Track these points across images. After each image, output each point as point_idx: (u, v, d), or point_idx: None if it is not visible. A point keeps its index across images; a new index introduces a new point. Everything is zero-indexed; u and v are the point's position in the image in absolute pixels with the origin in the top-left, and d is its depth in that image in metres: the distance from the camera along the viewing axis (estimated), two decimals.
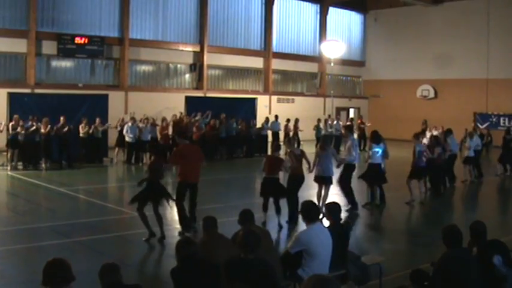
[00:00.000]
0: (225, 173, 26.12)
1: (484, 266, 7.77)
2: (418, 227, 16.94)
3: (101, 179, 24.62)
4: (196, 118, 30.42)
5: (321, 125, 35.63)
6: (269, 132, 33.98)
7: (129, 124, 27.85)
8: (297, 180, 15.54)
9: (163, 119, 29.38)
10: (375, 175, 18.10)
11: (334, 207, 9.54)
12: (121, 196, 21.02)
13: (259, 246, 7.02)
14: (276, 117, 35.49)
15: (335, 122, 36.14)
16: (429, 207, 18.88)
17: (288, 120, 35.24)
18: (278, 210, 14.90)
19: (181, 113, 31.17)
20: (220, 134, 30.93)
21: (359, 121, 38.02)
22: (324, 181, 16.86)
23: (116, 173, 26.69)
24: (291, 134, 33.39)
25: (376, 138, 18.39)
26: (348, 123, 31.87)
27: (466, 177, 24.07)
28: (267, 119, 34.88)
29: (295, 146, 16.31)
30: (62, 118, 25.51)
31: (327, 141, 18.62)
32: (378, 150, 18.11)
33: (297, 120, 35.33)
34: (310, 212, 8.53)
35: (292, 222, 15.01)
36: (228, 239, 8.46)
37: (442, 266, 7.53)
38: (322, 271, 8.02)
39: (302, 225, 8.79)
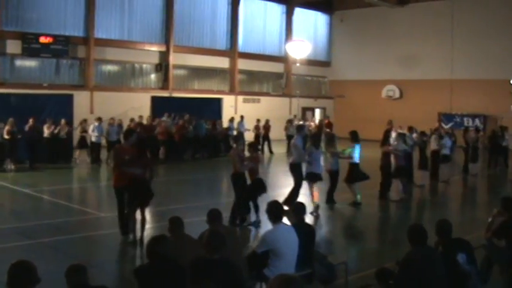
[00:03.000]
0: (191, 173, 26.13)
1: (449, 264, 7.86)
2: (385, 226, 17.06)
3: (66, 179, 24.36)
4: (163, 119, 30.40)
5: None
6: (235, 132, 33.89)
7: (96, 124, 27.72)
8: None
9: (132, 120, 29.18)
10: (357, 174, 18.33)
11: (299, 207, 9.59)
12: (86, 197, 20.94)
13: (224, 246, 7.01)
14: (242, 117, 35.51)
15: (304, 122, 36.22)
16: (398, 207, 19.05)
17: (258, 121, 35.31)
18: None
19: (140, 117, 30.51)
20: (189, 134, 30.85)
21: (326, 121, 38.08)
22: (318, 178, 17.16)
23: (81, 174, 26.45)
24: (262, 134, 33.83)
25: (357, 137, 18.58)
26: (301, 122, 32.02)
27: (445, 177, 24.36)
28: (232, 119, 34.87)
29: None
30: (31, 119, 25.24)
31: (318, 140, 18.57)
32: (357, 150, 18.38)
33: (267, 121, 35.45)
34: (276, 212, 8.57)
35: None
36: (195, 239, 8.45)
37: (406, 264, 7.60)
38: (288, 270, 8.05)
39: (268, 225, 8.80)
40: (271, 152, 34.48)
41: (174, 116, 31.02)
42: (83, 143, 27.88)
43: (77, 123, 28.29)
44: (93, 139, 27.64)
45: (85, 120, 28.61)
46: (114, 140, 27.04)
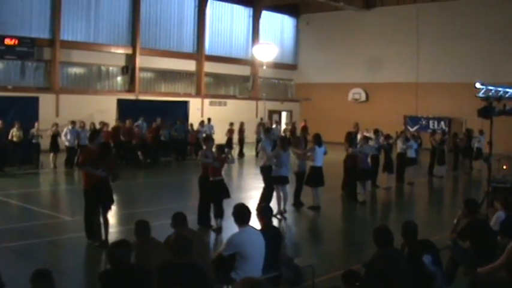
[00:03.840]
0: (159, 177, 26.07)
1: (415, 265, 7.94)
2: (351, 228, 17.14)
3: (34, 183, 24.07)
4: (139, 123, 30.40)
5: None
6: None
7: (69, 127, 27.25)
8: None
9: (104, 124, 28.52)
10: (317, 178, 18.39)
11: (266, 209, 9.61)
12: (53, 201, 20.74)
13: (191, 250, 7.00)
14: (209, 120, 35.43)
15: (274, 126, 36.20)
16: (364, 209, 19.16)
17: (232, 124, 35.27)
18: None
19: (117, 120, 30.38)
20: (160, 136, 30.77)
21: (303, 124, 37.89)
22: (285, 181, 17.24)
23: (49, 178, 26.10)
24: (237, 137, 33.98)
25: (320, 140, 18.65)
26: (268, 126, 32.12)
27: (411, 179, 24.65)
28: (202, 122, 34.75)
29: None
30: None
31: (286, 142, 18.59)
32: (321, 152, 18.46)
33: (242, 124, 35.51)
34: (243, 214, 8.58)
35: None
36: (161, 243, 8.42)
37: (373, 266, 7.66)
38: (255, 273, 8.06)
39: (234, 228, 8.80)
40: (242, 154, 34.41)
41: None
42: (55, 146, 27.36)
43: (42, 126, 27.69)
44: (67, 143, 27.14)
45: (56, 124, 28.00)
46: (85, 144, 26.14)
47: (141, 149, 29.93)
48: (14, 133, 25.56)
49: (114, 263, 6.91)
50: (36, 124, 26.52)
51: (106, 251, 7.16)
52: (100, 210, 13.11)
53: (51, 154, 27.19)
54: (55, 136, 27.24)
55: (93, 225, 13.24)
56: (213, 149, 15.58)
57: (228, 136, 34.32)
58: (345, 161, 20.99)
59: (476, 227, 9.71)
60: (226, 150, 16.07)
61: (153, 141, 30.24)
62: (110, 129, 28.55)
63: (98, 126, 27.56)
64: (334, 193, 20.00)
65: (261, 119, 40.81)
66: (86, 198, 13.32)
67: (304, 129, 35.69)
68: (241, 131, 35.43)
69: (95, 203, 13.06)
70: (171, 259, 7.00)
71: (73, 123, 27.59)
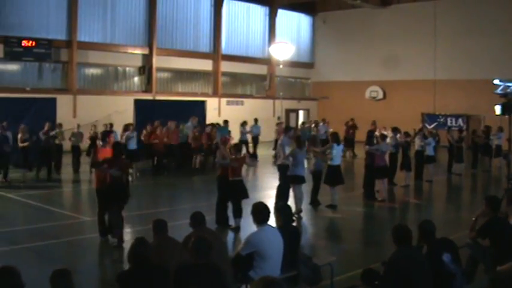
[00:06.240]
0: (180, 177, 26.08)
1: (434, 264, 7.88)
2: (369, 226, 17.08)
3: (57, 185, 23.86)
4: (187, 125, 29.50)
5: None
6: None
7: (128, 133, 25.63)
8: None
9: (130, 124, 27.09)
10: (336, 176, 18.36)
11: (284, 208, 9.58)
12: (70, 201, 20.79)
13: (210, 251, 7.00)
14: (256, 120, 34.79)
15: (321, 125, 35.79)
16: (383, 207, 19.08)
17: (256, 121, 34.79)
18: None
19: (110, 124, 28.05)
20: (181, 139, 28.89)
21: (351, 123, 36.47)
22: (303, 180, 17.32)
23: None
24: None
25: (338, 138, 18.63)
26: (287, 125, 31.88)
27: (429, 177, 24.55)
28: (245, 123, 33.69)
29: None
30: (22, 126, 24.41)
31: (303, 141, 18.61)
32: (339, 151, 18.46)
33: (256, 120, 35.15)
34: (261, 213, 8.55)
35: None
36: (179, 242, 8.41)
37: (392, 265, 7.60)
38: (273, 272, 8.04)
39: (253, 227, 8.78)
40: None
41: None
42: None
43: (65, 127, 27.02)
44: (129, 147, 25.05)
45: (95, 125, 27.02)
46: (133, 148, 25.27)
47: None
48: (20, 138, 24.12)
49: (134, 260, 6.93)
50: (57, 125, 26.02)
51: (128, 249, 7.13)
52: (115, 209, 13.21)
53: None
54: (93, 138, 25.27)
55: (106, 223, 13.35)
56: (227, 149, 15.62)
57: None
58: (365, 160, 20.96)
59: (497, 224, 9.62)
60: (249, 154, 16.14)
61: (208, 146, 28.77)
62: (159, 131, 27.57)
63: (131, 128, 26.25)
64: (353, 192, 19.92)
65: (278, 118, 40.69)
66: (98, 197, 13.62)
67: (353, 127, 35.17)
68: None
69: (108, 202, 13.20)
70: (189, 260, 6.99)
71: (127, 127, 26.32)
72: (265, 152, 34.22)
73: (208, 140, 28.26)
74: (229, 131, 29.82)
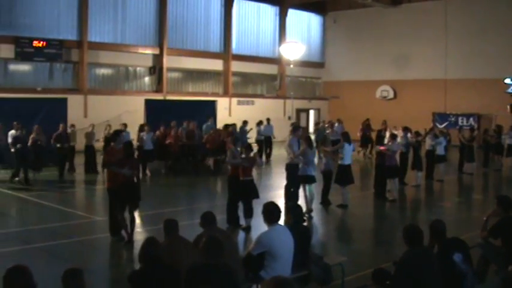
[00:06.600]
0: (190, 176, 26.08)
1: (445, 264, 7.86)
2: (380, 226, 17.04)
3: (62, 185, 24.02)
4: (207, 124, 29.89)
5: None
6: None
7: (144, 133, 25.88)
8: None
9: (145, 124, 27.38)
10: (346, 176, 18.34)
11: (294, 208, 9.58)
12: (82, 201, 20.82)
13: (221, 251, 7.00)
14: (268, 120, 34.04)
15: (336, 125, 35.43)
16: (393, 207, 19.05)
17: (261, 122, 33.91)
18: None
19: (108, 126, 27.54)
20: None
21: (367, 122, 35.57)
22: (314, 180, 17.32)
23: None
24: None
25: (349, 138, 18.61)
26: (326, 125, 31.96)
27: (440, 177, 24.53)
28: (261, 122, 33.41)
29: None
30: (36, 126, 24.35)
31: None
32: (350, 150, 18.43)
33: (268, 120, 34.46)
34: (272, 213, 8.55)
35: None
36: (189, 242, 8.42)
37: (403, 264, 7.60)
38: (284, 272, 8.04)
39: (263, 227, 8.78)
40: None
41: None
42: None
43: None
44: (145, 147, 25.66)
45: (109, 125, 26.62)
46: (150, 148, 25.73)
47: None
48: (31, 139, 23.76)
49: (145, 260, 6.95)
50: (69, 124, 26.07)
51: (139, 249, 7.15)
52: (126, 208, 13.27)
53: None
54: (108, 139, 25.06)
55: (117, 222, 13.39)
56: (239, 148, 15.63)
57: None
58: (376, 159, 20.93)
59: (508, 224, 9.58)
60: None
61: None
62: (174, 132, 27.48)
63: (146, 129, 26.19)
64: (364, 191, 19.89)
65: (289, 117, 40.62)
66: (110, 196, 13.67)
67: (368, 127, 34.97)
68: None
69: (119, 201, 13.23)
70: (200, 260, 7.00)
71: (142, 127, 26.57)
72: (276, 152, 34.13)
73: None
74: (251, 129, 30.52)
